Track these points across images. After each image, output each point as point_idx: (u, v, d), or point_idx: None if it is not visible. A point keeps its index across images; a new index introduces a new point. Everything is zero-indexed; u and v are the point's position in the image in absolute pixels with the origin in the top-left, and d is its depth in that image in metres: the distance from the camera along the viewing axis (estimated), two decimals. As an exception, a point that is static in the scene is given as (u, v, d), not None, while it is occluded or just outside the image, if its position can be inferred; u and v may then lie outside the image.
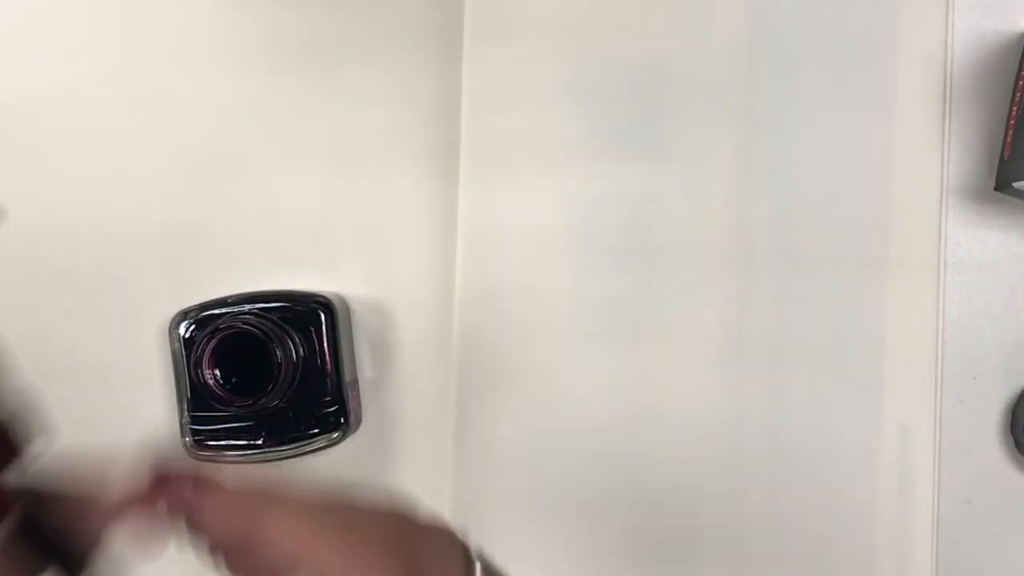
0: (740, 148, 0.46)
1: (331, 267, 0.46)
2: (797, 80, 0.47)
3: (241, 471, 0.32)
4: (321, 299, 0.43)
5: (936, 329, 0.46)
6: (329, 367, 0.43)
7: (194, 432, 0.43)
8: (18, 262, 0.47)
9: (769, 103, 0.46)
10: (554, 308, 0.45)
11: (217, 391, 0.41)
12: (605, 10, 0.47)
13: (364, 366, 0.46)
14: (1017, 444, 0.45)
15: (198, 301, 0.44)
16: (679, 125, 0.47)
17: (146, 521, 0.31)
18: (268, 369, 0.41)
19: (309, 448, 0.44)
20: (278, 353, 0.41)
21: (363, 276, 0.46)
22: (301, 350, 0.42)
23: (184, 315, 0.43)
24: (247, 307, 0.43)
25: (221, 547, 0.31)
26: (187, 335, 0.43)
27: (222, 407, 0.42)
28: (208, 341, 0.41)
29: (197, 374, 0.41)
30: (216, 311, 0.43)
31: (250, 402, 0.41)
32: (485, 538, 0.46)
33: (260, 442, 0.43)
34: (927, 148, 0.46)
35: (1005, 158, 0.44)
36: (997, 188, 0.45)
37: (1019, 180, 0.43)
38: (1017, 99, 0.44)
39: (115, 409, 0.45)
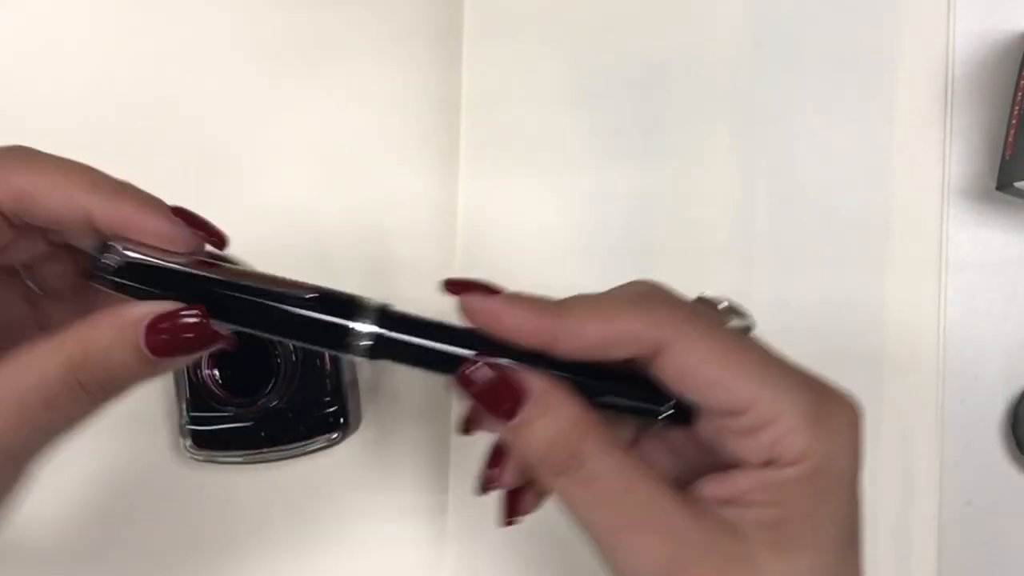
0: (740, 148, 0.46)
1: (330, 267, 0.46)
2: (797, 80, 0.46)
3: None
4: (321, 299, 0.43)
5: (937, 329, 0.46)
6: (329, 367, 0.43)
7: (193, 432, 0.43)
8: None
9: (769, 103, 0.46)
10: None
11: (217, 391, 0.41)
12: (605, 10, 0.47)
13: (364, 366, 0.46)
14: (1019, 444, 0.45)
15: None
16: (679, 125, 0.46)
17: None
18: (268, 369, 0.41)
19: (308, 448, 0.44)
20: (278, 353, 0.41)
21: (362, 276, 0.46)
22: (301, 350, 0.42)
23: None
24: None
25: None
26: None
27: (221, 407, 0.42)
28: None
29: (196, 374, 0.41)
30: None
31: (250, 402, 0.41)
32: (485, 538, 0.46)
33: (259, 442, 0.43)
34: (928, 148, 0.46)
35: (1006, 158, 0.44)
36: (998, 188, 0.45)
37: (1020, 180, 0.43)
38: (1018, 99, 0.44)
39: (115, 409, 0.45)
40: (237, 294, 0.29)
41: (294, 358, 0.42)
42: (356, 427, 0.44)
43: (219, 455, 0.43)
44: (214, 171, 0.45)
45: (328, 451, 0.44)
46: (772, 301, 0.46)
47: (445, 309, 0.33)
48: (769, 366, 0.29)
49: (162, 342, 0.28)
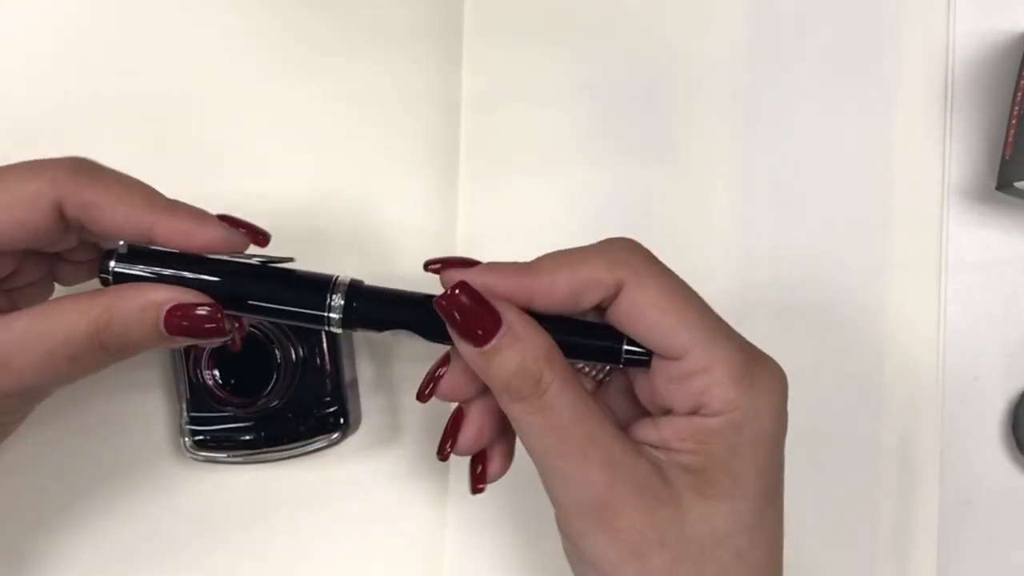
0: (740, 148, 0.46)
1: (330, 266, 0.46)
2: (797, 80, 0.46)
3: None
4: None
5: (937, 329, 0.46)
6: (329, 367, 0.43)
7: (193, 432, 0.43)
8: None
9: (769, 103, 0.46)
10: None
11: (216, 391, 0.41)
12: (605, 10, 0.47)
13: (364, 366, 0.46)
14: (1019, 444, 0.45)
15: (197, 301, 0.43)
16: (679, 125, 0.46)
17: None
18: (268, 369, 0.41)
19: (308, 448, 0.44)
20: (277, 353, 0.41)
21: (362, 276, 0.46)
22: (301, 350, 0.42)
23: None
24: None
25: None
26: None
27: (221, 407, 0.42)
28: (207, 341, 0.41)
29: (196, 374, 0.41)
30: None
31: (249, 402, 0.41)
32: (485, 538, 0.46)
33: (259, 442, 0.43)
34: (928, 148, 0.46)
35: (1006, 158, 0.44)
36: (998, 188, 0.45)
37: (1020, 180, 0.43)
38: (1018, 99, 0.44)
39: (115, 409, 0.45)
40: (218, 277, 0.34)
41: (294, 358, 0.42)
42: (356, 427, 0.44)
43: (219, 455, 0.43)
44: (214, 171, 0.45)
45: (328, 451, 0.44)
46: (772, 300, 0.46)
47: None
48: (710, 319, 0.32)
49: (178, 325, 0.33)
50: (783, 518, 0.34)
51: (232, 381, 0.41)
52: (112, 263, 0.33)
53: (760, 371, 0.32)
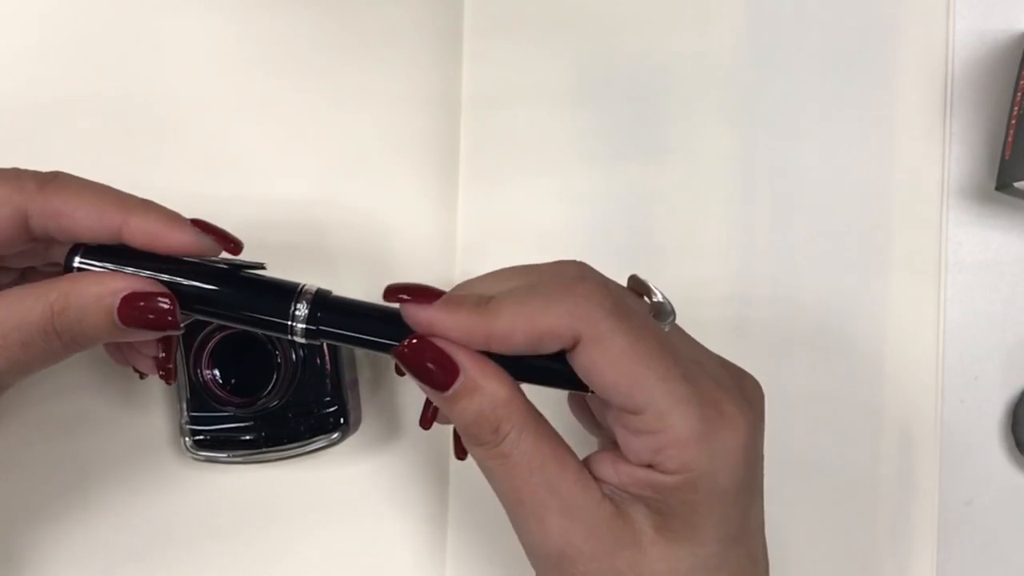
0: (740, 148, 0.46)
1: (330, 267, 0.46)
2: (797, 80, 0.46)
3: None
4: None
5: (937, 329, 0.46)
6: (329, 367, 0.43)
7: (193, 432, 0.43)
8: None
9: (769, 103, 0.46)
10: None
11: (217, 391, 0.41)
12: (605, 10, 0.47)
13: (364, 366, 0.46)
14: (1018, 444, 0.45)
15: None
16: (679, 125, 0.46)
17: None
18: (268, 369, 0.41)
19: (308, 448, 0.44)
20: (277, 353, 0.41)
21: (363, 276, 0.46)
22: (301, 350, 0.42)
23: (184, 315, 0.43)
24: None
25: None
26: (186, 335, 0.42)
27: (221, 407, 0.42)
28: (208, 341, 0.41)
29: (197, 374, 0.41)
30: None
31: (249, 402, 0.41)
32: (485, 538, 0.46)
33: (259, 442, 0.43)
34: (927, 148, 0.46)
35: (1006, 158, 0.44)
36: (998, 188, 0.45)
37: (1020, 180, 0.43)
38: (1018, 99, 0.44)
39: (115, 409, 0.45)
40: (182, 278, 0.34)
41: (294, 358, 0.42)
42: (356, 427, 0.44)
43: (219, 455, 0.43)
44: (214, 171, 0.45)
45: (328, 451, 0.44)
46: (772, 301, 0.46)
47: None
48: (670, 377, 0.31)
49: (132, 315, 0.32)
50: (757, 548, 0.34)
51: (232, 381, 0.41)
52: (77, 258, 0.33)
53: (720, 428, 0.31)
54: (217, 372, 0.41)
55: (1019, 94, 0.45)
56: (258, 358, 0.41)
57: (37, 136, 0.45)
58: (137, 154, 0.45)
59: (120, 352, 0.39)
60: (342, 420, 0.43)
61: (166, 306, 0.33)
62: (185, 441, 0.43)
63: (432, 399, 0.33)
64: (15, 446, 0.45)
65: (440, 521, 0.46)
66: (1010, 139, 0.44)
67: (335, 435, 0.43)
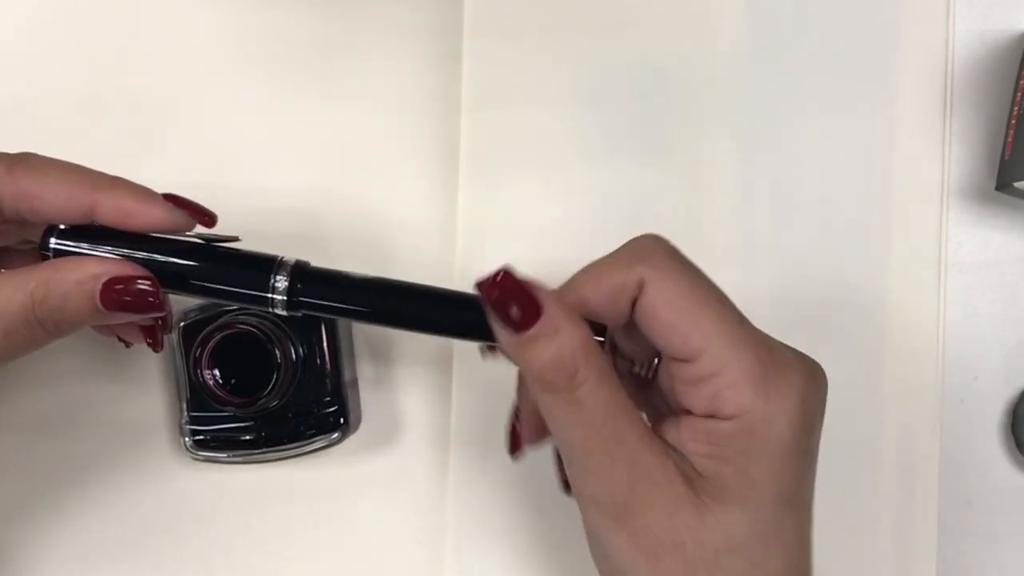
0: (740, 147, 0.46)
1: (329, 266, 0.46)
2: (797, 80, 0.46)
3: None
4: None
5: (936, 329, 0.46)
6: (329, 367, 0.43)
7: (193, 432, 0.43)
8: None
9: (769, 103, 0.46)
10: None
11: (217, 391, 0.41)
12: (605, 9, 0.47)
13: (364, 365, 0.46)
14: (1018, 444, 0.45)
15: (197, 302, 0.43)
16: (679, 125, 0.46)
17: None
18: (268, 369, 0.41)
19: (308, 448, 0.44)
20: (278, 353, 0.41)
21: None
22: (301, 350, 0.42)
23: (184, 315, 0.43)
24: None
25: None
26: (186, 335, 0.42)
27: (221, 407, 0.42)
28: (208, 341, 0.41)
29: (197, 374, 0.41)
30: (216, 311, 0.43)
31: (249, 402, 0.41)
32: (485, 538, 0.46)
33: (259, 442, 0.43)
34: (927, 148, 0.46)
35: (1006, 158, 0.44)
36: (998, 188, 0.45)
37: (1020, 180, 0.43)
38: (1018, 99, 0.44)
39: (115, 409, 0.45)
40: (159, 255, 0.34)
41: (294, 358, 0.42)
42: (356, 427, 0.44)
43: (219, 455, 0.43)
44: (214, 171, 0.45)
45: (328, 451, 0.44)
46: (772, 301, 0.46)
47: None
48: (727, 319, 0.32)
49: (114, 300, 0.32)
50: (808, 529, 0.33)
51: (232, 381, 0.41)
52: (52, 239, 0.33)
53: (777, 373, 0.31)
54: (217, 372, 0.41)
55: (1019, 94, 0.45)
56: (258, 358, 0.41)
57: (37, 134, 0.45)
58: (137, 153, 0.45)
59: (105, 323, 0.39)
60: (342, 420, 0.43)
61: (148, 288, 0.33)
62: (185, 441, 0.43)
63: (507, 342, 0.32)
64: (12, 445, 0.45)
65: (440, 521, 0.46)
66: (1010, 139, 0.44)
67: (335, 435, 0.43)
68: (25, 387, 0.45)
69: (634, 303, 0.32)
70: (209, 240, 0.35)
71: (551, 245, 0.46)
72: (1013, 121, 0.44)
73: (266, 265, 0.34)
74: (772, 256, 0.46)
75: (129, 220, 0.33)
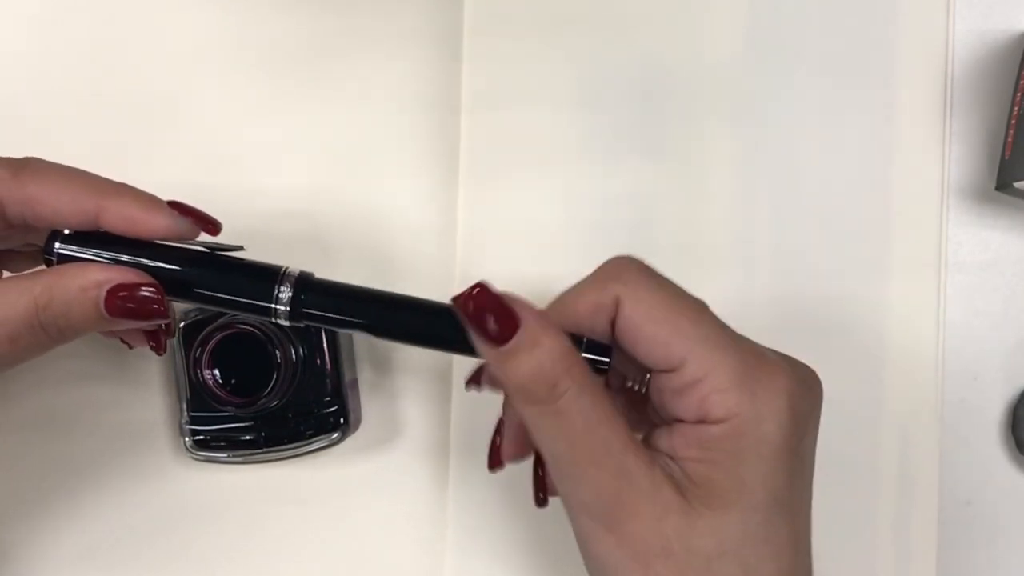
0: (740, 148, 0.46)
1: (329, 267, 0.45)
2: (797, 80, 0.46)
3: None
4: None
5: (936, 329, 0.46)
6: (329, 367, 0.43)
7: (193, 432, 0.43)
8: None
9: (769, 103, 0.46)
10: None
11: (217, 391, 0.41)
12: (606, 10, 0.47)
13: (364, 366, 0.46)
14: (1018, 444, 0.45)
15: (198, 301, 0.43)
16: (679, 125, 0.46)
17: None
18: (268, 369, 0.41)
19: (308, 448, 0.44)
20: (278, 353, 0.41)
21: (362, 276, 0.45)
22: (301, 350, 0.42)
23: (184, 315, 0.43)
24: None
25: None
26: (186, 335, 0.42)
27: (221, 407, 0.42)
28: (208, 341, 0.41)
29: (197, 374, 0.41)
30: (216, 311, 0.43)
31: (249, 402, 0.41)
32: (485, 538, 0.46)
33: (259, 442, 0.43)
34: (927, 148, 0.46)
35: (1006, 158, 0.44)
36: (998, 188, 0.45)
37: (1020, 180, 0.43)
38: (1018, 99, 0.44)
39: (115, 409, 0.45)
40: (163, 263, 0.34)
41: (294, 358, 0.42)
42: (356, 427, 0.44)
43: (219, 455, 0.43)
44: (214, 172, 0.45)
45: (328, 451, 0.44)
46: (772, 301, 0.46)
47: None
48: (706, 326, 0.32)
49: (119, 307, 0.32)
50: (803, 534, 0.33)
51: (232, 381, 0.41)
52: (57, 244, 0.33)
53: (763, 375, 0.32)
54: (217, 372, 0.41)
55: (1019, 94, 0.44)
56: (258, 358, 0.41)
57: (37, 135, 0.45)
58: (138, 154, 0.46)
59: None
60: (342, 420, 0.43)
61: (153, 295, 0.33)
62: (185, 441, 0.43)
63: (487, 356, 0.32)
64: (12, 444, 0.45)
65: (440, 521, 0.46)
66: (1010, 139, 0.44)
67: (335, 435, 0.43)
68: (26, 388, 0.45)
69: (613, 323, 0.32)
70: (213, 249, 0.35)
71: (551, 245, 0.46)
72: (1013, 121, 0.44)
73: (270, 275, 0.34)
74: (772, 257, 0.46)
75: (134, 227, 0.33)
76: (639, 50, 0.46)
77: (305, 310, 0.34)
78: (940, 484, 0.45)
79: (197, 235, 0.34)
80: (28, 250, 0.38)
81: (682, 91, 0.46)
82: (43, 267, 0.34)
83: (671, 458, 0.32)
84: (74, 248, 0.33)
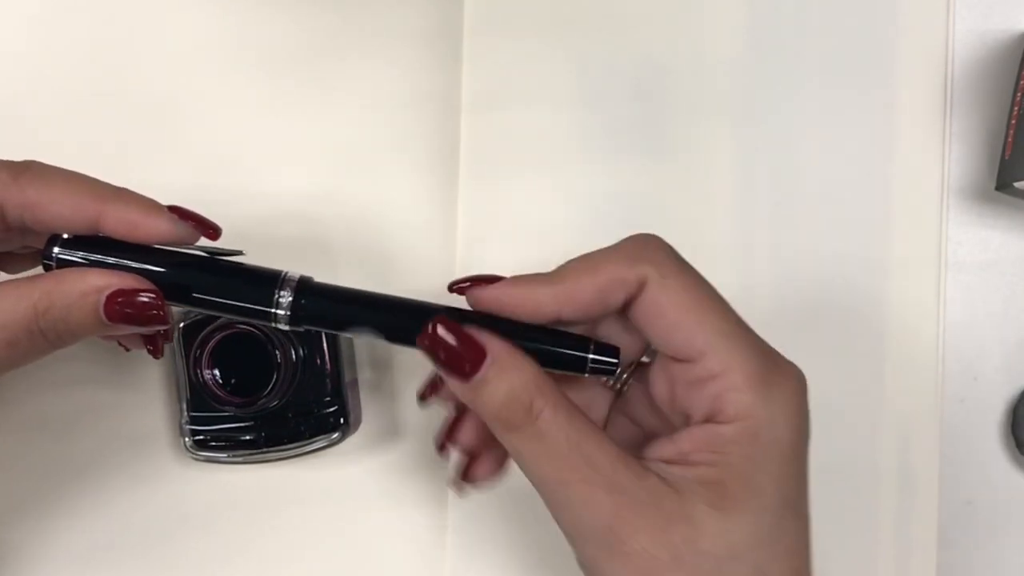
0: (740, 148, 0.46)
1: (330, 267, 0.46)
2: (797, 80, 0.47)
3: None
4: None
5: (937, 329, 0.46)
6: (329, 367, 0.43)
7: (193, 432, 0.43)
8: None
9: (769, 103, 0.46)
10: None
11: (217, 391, 0.41)
12: (606, 10, 0.47)
13: (364, 366, 0.46)
14: (1018, 444, 0.45)
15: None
16: (679, 125, 0.46)
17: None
18: (268, 369, 0.41)
19: (308, 448, 0.44)
20: (278, 353, 0.41)
21: (362, 276, 0.46)
22: (301, 350, 0.42)
23: (184, 315, 0.43)
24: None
25: None
26: (186, 335, 0.42)
27: (221, 407, 0.42)
28: (208, 341, 0.41)
29: (197, 374, 0.41)
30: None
31: (249, 402, 0.41)
32: (485, 538, 0.46)
33: (259, 442, 0.43)
34: (927, 148, 0.46)
35: (1006, 158, 0.44)
36: (998, 188, 0.45)
37: (1020, 180, 0.43)
38: (1018, 99, 0.44)
39: (115, 409, 0.45)
40: (163, 268, 0.33)
41: (294, 358, 0.42)
42: (356, 427, 0.44)
43: (219, 455, 0.43)
44: (214, 172, 0.45)
45: (328, 451, 0.44)
46: (772, 300, 0.46)
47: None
48: (729, 322, 0.32)
49: (119, 312, 0.32)
50: (808, 535, 0.33)
51: (232, 381, 0.41)
52: (56, 248, 0.33)
53: (778, 377, 0.31)
54: (217, 372, 0.41)
55: (1019, 94, 0.45)
56: (258, 358, 0.41)
57: (36, 135, 0.45)
58: (138, 154, 0.45)
59: None
60: (342, 420, 0.43)
61: (152, 301, 0.32)
62: (185, 441, 0.43)
63: (458, 391, 0.32)
64: (13, 444, 0.45)
65: (440, 521, 0.46)
66: (1010, 139, 0.44)
67: (335, 435, 0.43)
68: (26, 389, 0.45)
69: (625, 301, 0.32)
70: (213, 253, 0.35)
71: (551, 245, 0.46)
72: (1013, 121, 0.44)
73: (270, 280, 0.34)
74: (772, 256, 0.46)
75: (134, 231, 0.33)
76: (639, 50, 0.46)
77: (305, 315, 0.34)
78: (940, 484, 0.45)
79: (197, 240, 0.34)
80: (26, 252, 0.38)
81: (682, 91, 0.46)
82: (41, 271, 0.34)
83: (673, 463, 0.31)
84: (73, 252, 0.33)
